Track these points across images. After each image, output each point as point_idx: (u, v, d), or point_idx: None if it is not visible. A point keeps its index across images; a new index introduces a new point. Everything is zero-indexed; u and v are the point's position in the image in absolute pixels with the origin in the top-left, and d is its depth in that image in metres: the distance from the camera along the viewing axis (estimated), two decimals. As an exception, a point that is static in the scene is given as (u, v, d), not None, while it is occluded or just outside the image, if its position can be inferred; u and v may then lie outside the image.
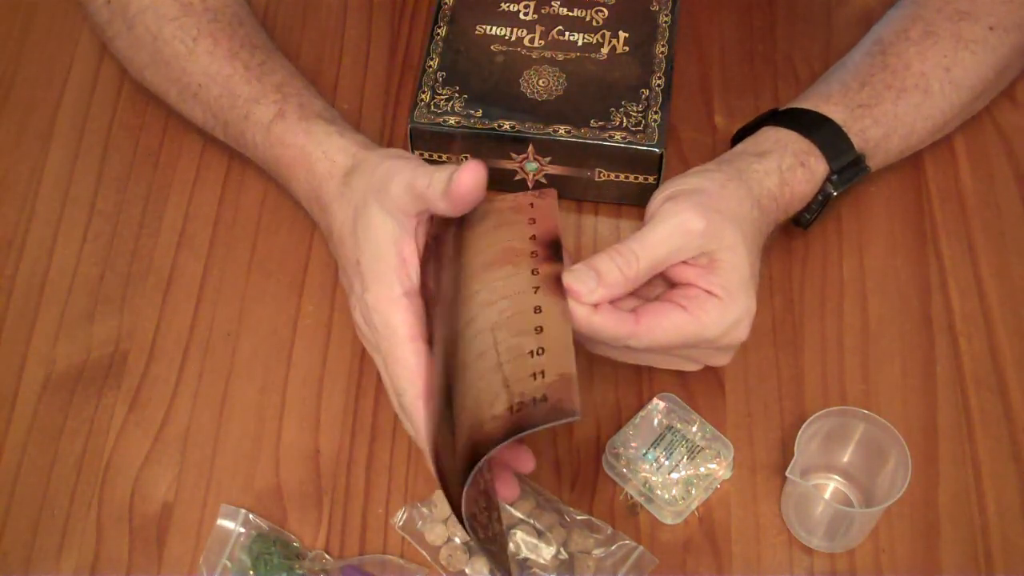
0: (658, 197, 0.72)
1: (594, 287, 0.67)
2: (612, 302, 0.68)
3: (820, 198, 0.80)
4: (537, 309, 0.66)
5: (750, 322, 0.70)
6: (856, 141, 0.79)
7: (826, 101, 0.81)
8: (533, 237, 0.70)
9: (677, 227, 0.69)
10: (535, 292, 0.67)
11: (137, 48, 0.86)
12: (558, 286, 0.67)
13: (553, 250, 0.69)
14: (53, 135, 0.92)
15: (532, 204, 0.73)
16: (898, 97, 0.81)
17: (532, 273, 0.68)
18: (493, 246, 0.70)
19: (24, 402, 0.80)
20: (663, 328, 0.68)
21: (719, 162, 0.77)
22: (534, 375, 0.63)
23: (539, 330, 0.65)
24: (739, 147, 0.79)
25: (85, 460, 0.78)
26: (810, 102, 0.81)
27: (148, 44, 0.85)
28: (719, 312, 0.69)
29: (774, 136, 0.79)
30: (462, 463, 0.63)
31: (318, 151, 0.77)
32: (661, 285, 0.72)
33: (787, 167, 0.77)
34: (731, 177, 0.74)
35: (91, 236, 0.87)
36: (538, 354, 0.64)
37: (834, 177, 0.79)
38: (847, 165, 0.79)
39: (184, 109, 0.86)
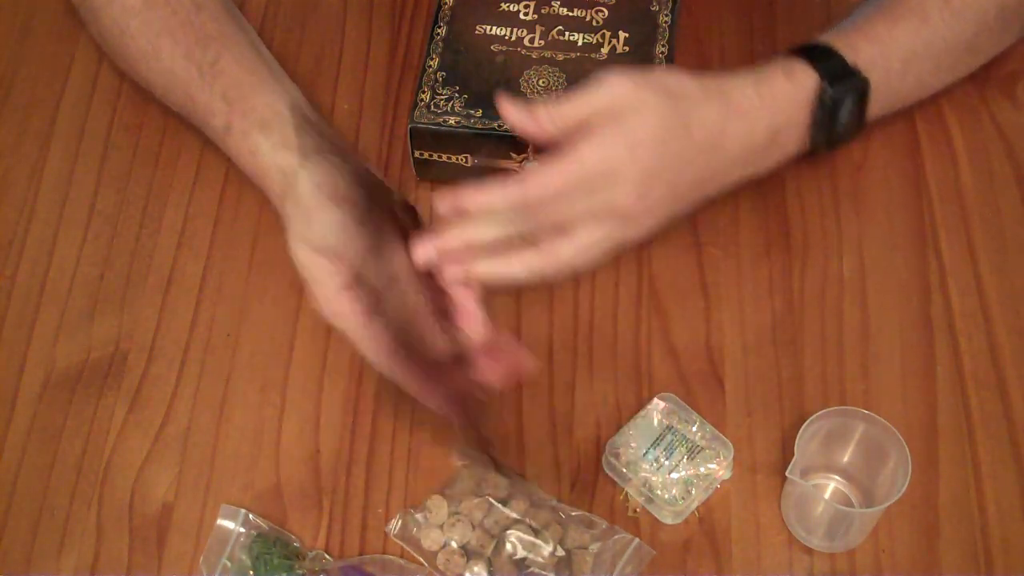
0: None
1: (524, 117, 0.72)
2: None
3: (820, 112, 0.79)
4: None
5: (628, 188, 0.71)
6: (847, 54, 0.79)
7: (815, 37, 0.82)
8: None
9: (604, 95, 0.72)
10: None
11: (105, 38, 0.88)
12: None
13: None
14: (53, 135, 0.92)
15: None
16: (893, 24, 0.82)
17: None
18: None
19: (24, 402, 0.80)
20: (553, 171, 0.70)
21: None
22: None
23: None
24: None
25: (85, 460, 0.78)
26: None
27: (116, 37, 0.86)
28: (597, 140, 0.71)
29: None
30: None
31: (260, 171, 0.78)
32: None
33: (764, 74, 0.77)
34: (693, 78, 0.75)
35: (91, 236, 0.87)
36: None
37: (827, 85, 0.78)
38: (838, 73, 0.79)
39: (158, 97, 0.88)
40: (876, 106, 0.82)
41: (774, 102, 0.77)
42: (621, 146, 0.71)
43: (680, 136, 0.73)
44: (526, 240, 0.72)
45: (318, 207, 0.70)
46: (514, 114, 0.72)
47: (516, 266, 0.72)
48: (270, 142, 0.77)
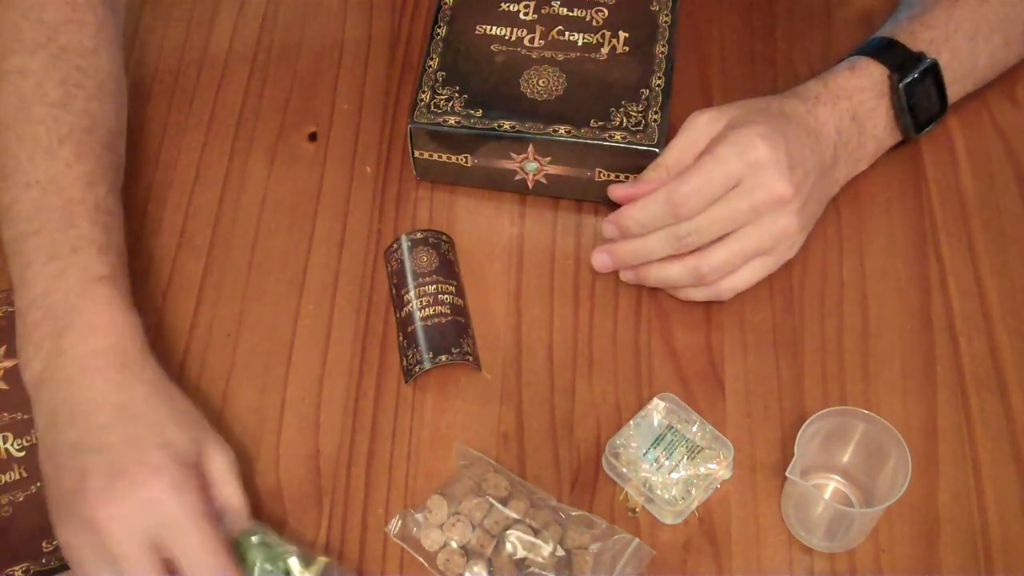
0: None
1: (630, 188, 0.80)
2: None
3: (895, 96, 0.82)
4: None
5: (776, 172, 0.75)
6: (907, 42, 0.82)
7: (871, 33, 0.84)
8: None
9: (687, 123, 0.79)
10: None
11: None
12: None
13: None
14: (53, 135, 0.92)
15: None
16: (951, 6, 0.83)
17: None
18: None
19: (24, 402, 0.80)
20: (690, 170, 0.76)
21: None
22: None
23: None
24: None
25: (85, 460, 0.78)
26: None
27: (11, 108, 0.76)
28: (725, 142, 0.75)
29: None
30: None
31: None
32: None
33: (829, 74, 0.81)
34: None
35: (91, 236, 0.87)
36: None
37: (896, 74, 0.81)
38: (905, 60, 0.81)
39: None
40: (956, 86, 0.84)
41: (842, 91, 0.81)
42: (754, 136, 0.75)
43: (785, 124, 0.77)
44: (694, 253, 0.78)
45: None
46: (625, 191, 0.79)
47: (679, 272, 0.79)
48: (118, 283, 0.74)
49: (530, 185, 0.87)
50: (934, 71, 0.82)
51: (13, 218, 0.74)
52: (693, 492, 0.75)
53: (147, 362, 0.72)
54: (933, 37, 0.83)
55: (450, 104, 0.85)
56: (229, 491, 0.70)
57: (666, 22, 0.89)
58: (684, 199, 0.76)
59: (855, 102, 0.81)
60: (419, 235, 0.83)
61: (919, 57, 0.82)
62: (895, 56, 0.82)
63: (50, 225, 0.73)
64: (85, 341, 0.69)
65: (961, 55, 0.84)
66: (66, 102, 0.77)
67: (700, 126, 0.78)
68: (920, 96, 0.82)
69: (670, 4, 0.90)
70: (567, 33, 0.88)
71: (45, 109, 0.76)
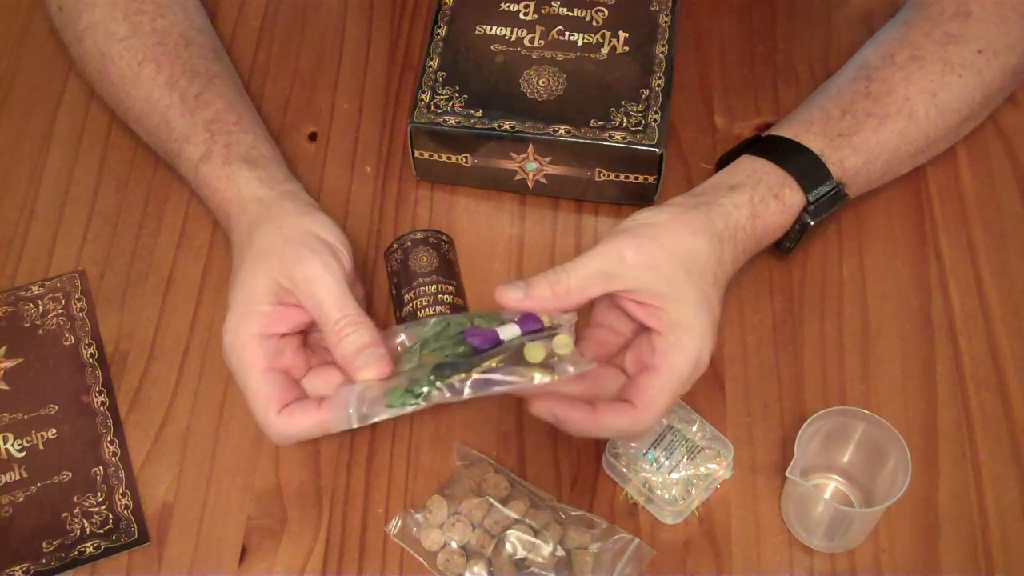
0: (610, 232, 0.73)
1: (520, 296, 0.69)
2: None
3: (798, 227, 0.80)
4: None
5: (710, 352, 0.70)
6: (834, 170, 0.79)
7: (806, 130, 0.80)
8: None
9: (607, 254, 0.70)
10: None
11: (86, 61, 0.87)
12: None
13: None
14: (53, 135, 0.92)
15: None
16: (880, 124, 0.81)
17: None
18: None
19: (24, 402, 0.80)
20: (655, 396, 0.69)
21: (689, 194, 0.77)
22: None
23: None
24: (715, 178, 0.79)
25: (85, 460, 0.78)
26: (791, 130, 0.81)
27: (96, 60, 0.86)
28: (679, 349, 0.69)
29: (751, 167, 0.79)
30: None
31: (235, 198, 0.77)
32: (620, 377, 0.72)
33: (759, 200, 0.77)
34: (688, 209, 0.74)
35: (91, 236, 0.87)
36: None
37: (811, 207, 0.79)
38: (824, 195, 0.79)
39: (129, 125, 0.88)
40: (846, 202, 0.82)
41: (766, 230, 0.78)
42: (706, 353, 0.70)
43: (717, 295, 0.72)
44: None
45: (311, 263, 0.71)
46: (513, 298, 0.69)
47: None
48: (254, 175, 0.78)
49: (530, 185, 0.87)
50: (841, 204, 0.80)
51: (150, 147, 0.87)
52: (693, 492, 0.75)
53: (240, 223, 0.76)
54: (857, 166, 0.80)
55: (450, 104, 0.85)
56: (312, 307, 0.70)
57: (666, 22, 0.89)
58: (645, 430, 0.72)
59: (769, 234, 0.78)
60: (419, 235, 0.83)
61: (838, 193, 0.79)
62: (821, 188, 0.78)
63: (161, 139, 0.84)
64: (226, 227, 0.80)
65: (871, 180, 0.83)
66: (134, 31, 0.85)
67: (625, 267, 0.70)
68: (813, 230, 0.80)
69: (670, 4, 0.90)
70: (567, 33, 0.88)
71: (119, 46, 0.85)
